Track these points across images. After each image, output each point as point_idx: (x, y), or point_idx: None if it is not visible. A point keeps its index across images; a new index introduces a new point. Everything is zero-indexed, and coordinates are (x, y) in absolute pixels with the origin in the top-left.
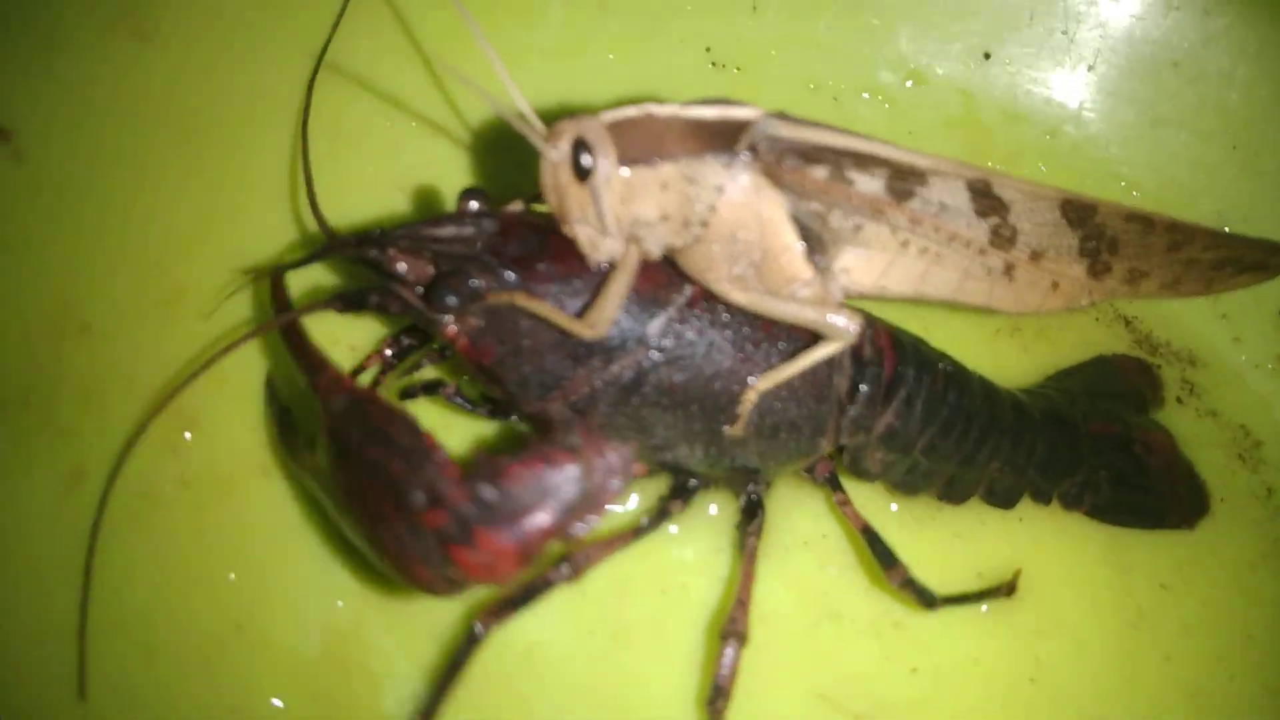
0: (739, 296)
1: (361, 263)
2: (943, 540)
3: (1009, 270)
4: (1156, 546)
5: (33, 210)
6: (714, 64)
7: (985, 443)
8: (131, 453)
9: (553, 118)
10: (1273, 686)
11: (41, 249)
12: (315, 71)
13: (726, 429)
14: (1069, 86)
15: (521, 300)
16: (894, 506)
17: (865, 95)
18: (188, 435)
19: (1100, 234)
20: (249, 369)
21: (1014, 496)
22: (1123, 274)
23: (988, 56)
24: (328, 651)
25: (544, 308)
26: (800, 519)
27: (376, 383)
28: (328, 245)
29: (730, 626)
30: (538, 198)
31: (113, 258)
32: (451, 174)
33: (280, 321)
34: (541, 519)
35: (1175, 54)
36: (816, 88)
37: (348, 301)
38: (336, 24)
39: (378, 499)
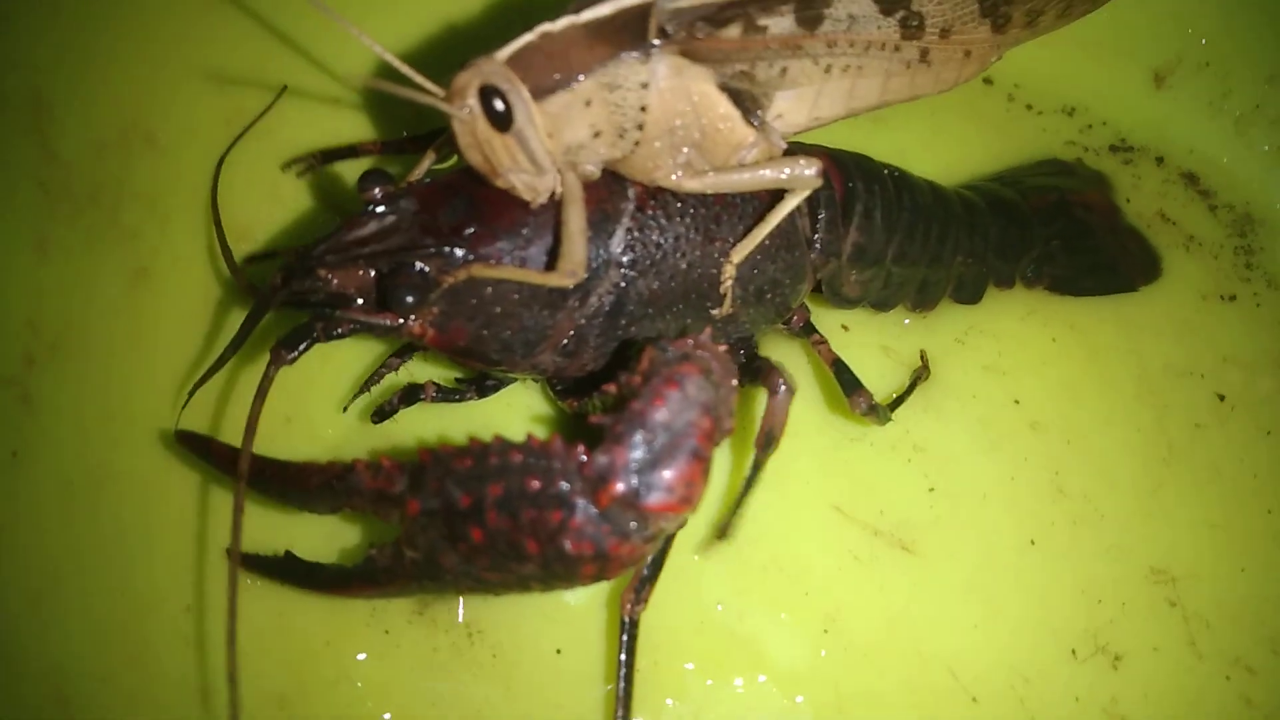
0: (692, 184)
1: (296, 303)
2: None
3: (924, 56)
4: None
5: (97, 22)
6: None
7: (946, 239)
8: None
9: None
10: None
11: (108, 61)
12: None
13: (715, 311)
14: None
15: (481, 271)
16: (906, 321)
17: None
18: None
19: None
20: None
21: (980, 288)
22: (1022, 19)
23: None
24: None
25: (509, 271)
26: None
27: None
28: (258, 305)
29: (777, 375)
30: (441, 150)
31: (177, 76)
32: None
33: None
34: (701, 424)
35: None
36: None
37: (291, 345)
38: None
39: (537, 524)
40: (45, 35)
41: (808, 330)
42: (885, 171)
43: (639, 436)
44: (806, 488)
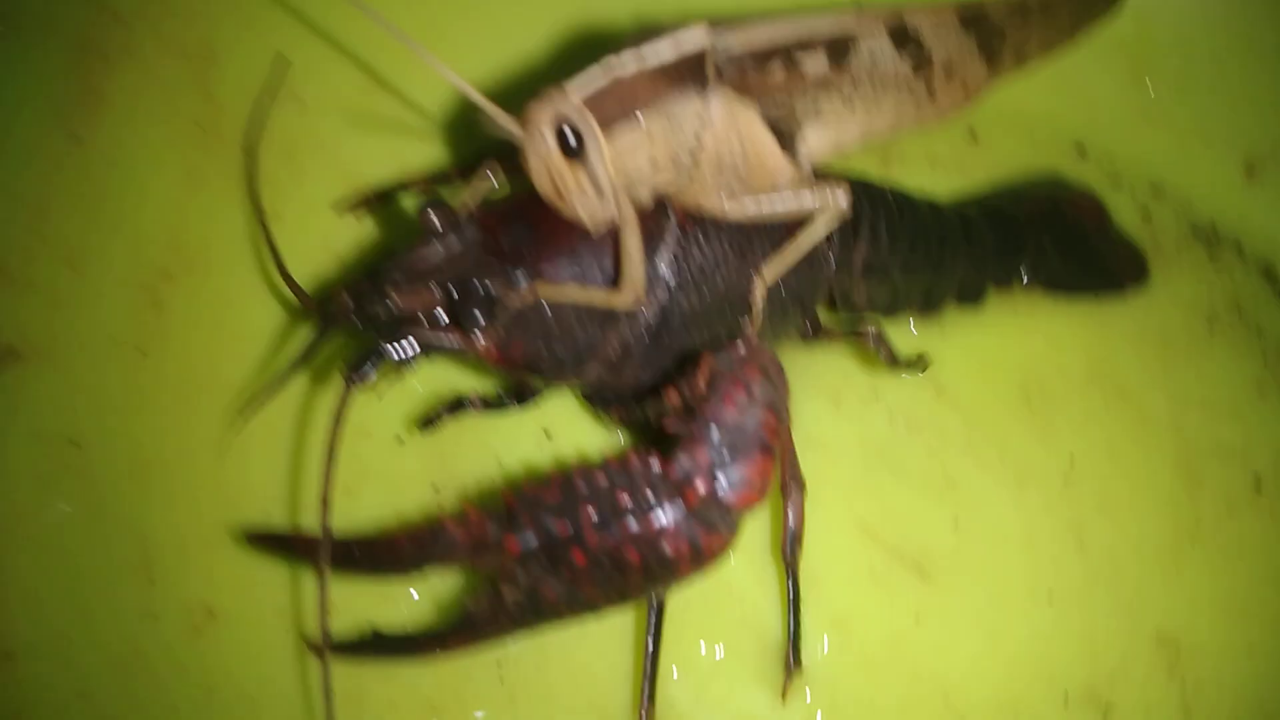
0: (736, 211)
1: (368, 323)
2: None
3: (930, 90)
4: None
5: None
6: None
7: (946, 248)
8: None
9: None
10: None
11: (272, 24)
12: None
13: (746, 325)
14: None
15: (547, 291)
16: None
17: None
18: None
19: (990, 29)
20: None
21: (982, 290)
22: (1011, 55)
23: None
24: None
25: (572, 291)
26: (878, 374)
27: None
28: (325, 322)
29: (787, 474)
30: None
31: (328, 48)
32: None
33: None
34: (768, 420)
35: None
36: None
37: (365, 367)
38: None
39: (636, 534)
40: None
41: (819, 333)
42: (887, 193)
43: (715, 438)
44: (837, 500)
